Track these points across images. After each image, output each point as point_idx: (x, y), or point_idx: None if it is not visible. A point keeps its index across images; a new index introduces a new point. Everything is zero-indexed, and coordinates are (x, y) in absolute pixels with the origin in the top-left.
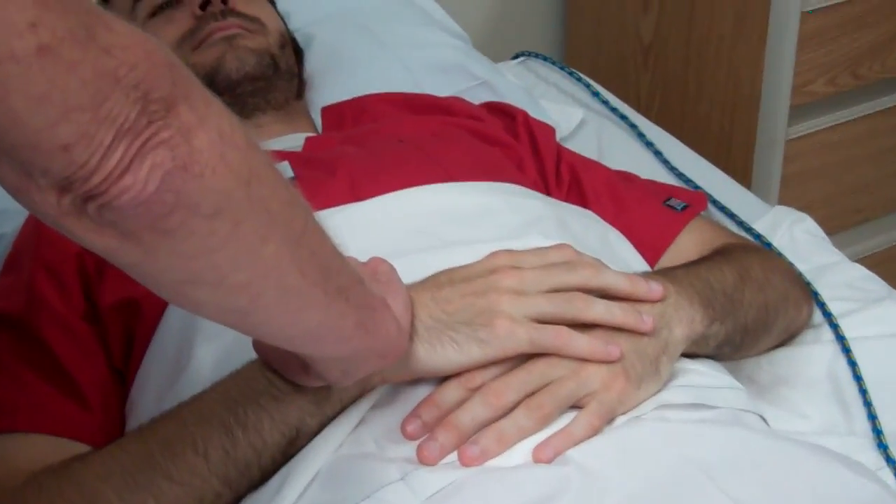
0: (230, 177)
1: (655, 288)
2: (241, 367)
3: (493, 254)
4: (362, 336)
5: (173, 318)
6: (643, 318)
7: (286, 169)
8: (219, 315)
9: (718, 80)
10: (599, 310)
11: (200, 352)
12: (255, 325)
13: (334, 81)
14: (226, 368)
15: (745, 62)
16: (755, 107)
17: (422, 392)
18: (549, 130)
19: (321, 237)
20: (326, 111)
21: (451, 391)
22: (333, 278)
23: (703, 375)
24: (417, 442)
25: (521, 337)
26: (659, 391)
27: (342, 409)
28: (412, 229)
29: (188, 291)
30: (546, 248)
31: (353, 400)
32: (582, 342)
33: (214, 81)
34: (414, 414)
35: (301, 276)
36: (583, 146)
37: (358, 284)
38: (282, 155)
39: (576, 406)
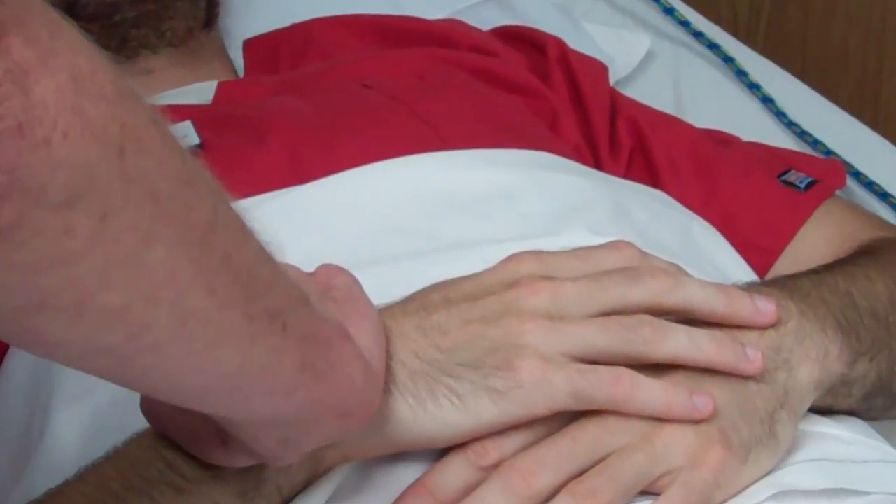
0: (92, 143)
1: (765, 307)
2: (125, 441)
3: (514, 257)
4: (310, 384)
5: (17, 370)
6: (747, 352)
7: (188, 131)
8: (83, 360)
9: None
10: (679, 341)
11: (61, 420)
12: (139, 374)
13: (264, 0)
14: (99, 444)
15: None
16: None
17: (406, 474)
18: (599, 68)
19: (241, 234)
20: (251, 46)
21: (454, 471)
22: (261, 296)
23: (846, 443)
24: None
25: (559, 386)
26: (777, 468)
27: None
28: (388, 225)
29: (34, 324)
30: (594, 247)
31: (300, 488)
32: (654, 391)
33: (77, 4)
34: None
35: (209, 295)
36: (651, 92)
37: (300, 305)
38: (181, 111)
39: (649, 491)
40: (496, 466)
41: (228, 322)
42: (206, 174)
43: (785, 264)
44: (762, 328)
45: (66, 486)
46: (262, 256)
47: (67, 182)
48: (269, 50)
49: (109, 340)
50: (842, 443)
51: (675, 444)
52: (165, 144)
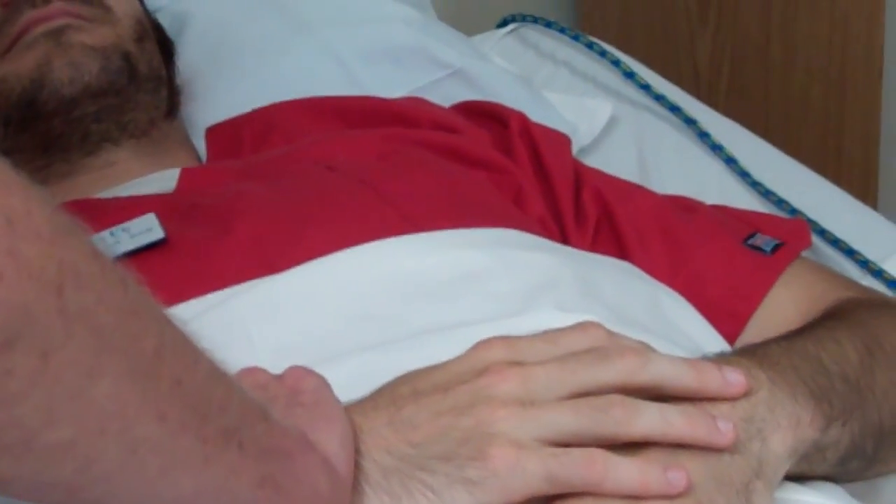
0: (28, 284)
1: (735, 378)
2: None
3: (482, 343)
4: (271, 499)
5: None
6: (719, 425)
7: (152, 225)
8: (34, 494)
9: (818, 37)
10: (650, 418)
11: None
12: (93, 503)
13: (224, 86)
14: None
15: (856, 7)
16: (876, 77)
17: None
18: (561, 140)
19: (190, 356)
20: (214, 133)
21: None
22: (215, 417)
23: None
24: None
25: (533, 471)
26: None
27: None
28: (358, 313)
29: None
30: (561, 330)
31: None
32: (628, 470)
33: (37, 101)
34: None
35: (160, 422)
36: (616, 156)
37: (258, 421)
38: (145, 203)
39: None
40: None
41: (181, 447)
42: (151, 301)
43: (754, 329)
44: (733, 399)
45: None
46: (214, 377)
47: (4, 325)
48: (231, 136)
49: (58, 475)
50: None
51: None
52: (106, 277)
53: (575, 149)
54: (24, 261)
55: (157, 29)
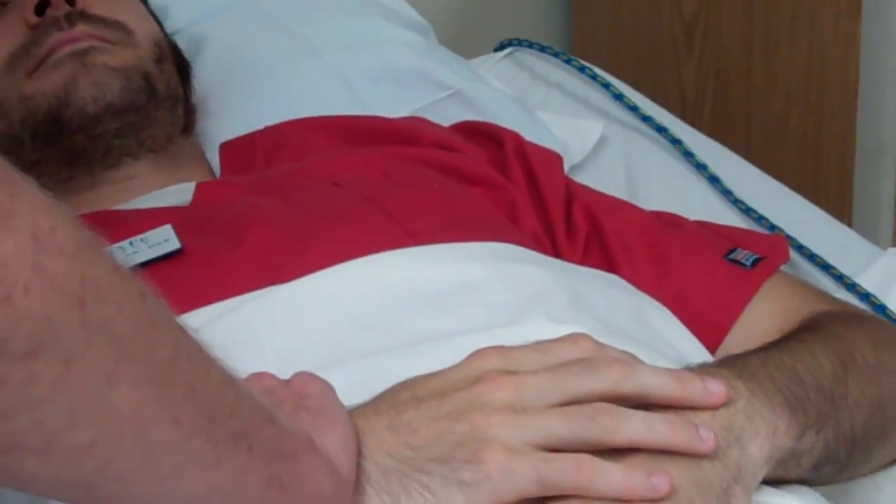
0: (52, 297)
1: (716, 388)
2: None
3: (478, 353)
4: (277, 498)
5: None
6: (700, 432)
7: (169, 236)
8: (55, 491)
9: (796, 63)
10: (635, 426)
11: None
12: (110, 501)
13: (237, 105)
14: None
15: (833, 35)
16: (851, 102)
17: None
18: (554, 159)
19: (202, 363)
20: (227, 148)
21: None
22: (225, 421)
23: None
24: None
25: (524, 474)
26: None
27: None
28: (362, 321)
29: (4, 464)
30: (552, 341)
31: None
32: (614, 475)
33: (62, 118)
34: None
35: (174, 425)
36: (604, 177)
37: (266, 424)
38: (162, 215)
39: None
40: None
41: (194, 449)
42: (168, 312)
43: (735, 339)
44: (714, 409)
45: None
46: (225, 383)
47: (30, 334)
48: (243, 151)
49: (78, 474)
50: None
51: None
52: (126, 290)
53: (566, 166)
54: (48, 275)
55: (175, 51)
